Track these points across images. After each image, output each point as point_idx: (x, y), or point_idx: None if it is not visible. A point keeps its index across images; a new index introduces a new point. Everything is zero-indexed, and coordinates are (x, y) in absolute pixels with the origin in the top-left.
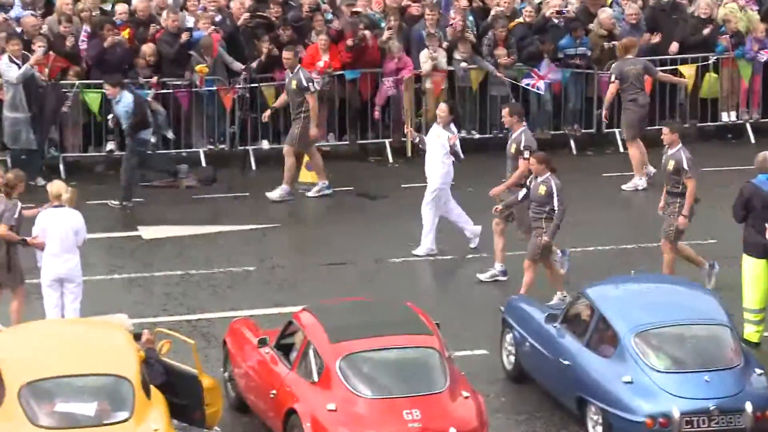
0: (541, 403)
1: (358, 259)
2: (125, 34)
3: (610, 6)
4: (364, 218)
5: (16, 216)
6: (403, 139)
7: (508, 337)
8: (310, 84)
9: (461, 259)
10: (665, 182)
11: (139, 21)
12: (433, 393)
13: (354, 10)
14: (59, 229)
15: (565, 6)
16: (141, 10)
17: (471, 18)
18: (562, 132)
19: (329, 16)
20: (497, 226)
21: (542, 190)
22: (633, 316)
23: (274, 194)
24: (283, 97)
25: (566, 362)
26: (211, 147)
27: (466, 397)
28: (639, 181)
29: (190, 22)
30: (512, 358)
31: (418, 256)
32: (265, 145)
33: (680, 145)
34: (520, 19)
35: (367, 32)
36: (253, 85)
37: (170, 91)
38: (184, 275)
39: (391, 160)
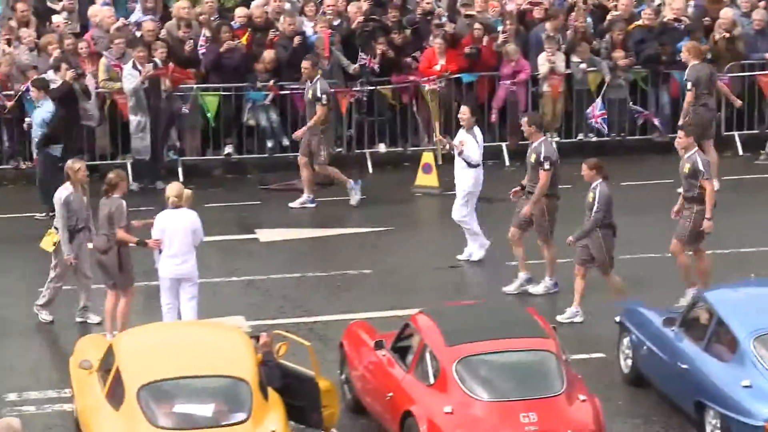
0: (658, 406)
1: (474, 262)
2: (244, 39)
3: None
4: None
5: (125, 215)
6: (441, 149)
7: (626, 340)
8: (323, 96)
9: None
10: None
11: (256, 26)
12: (549, 396)
13: (468, 12)
14: (177, 229)
15: (686, 9)
16: (258, 15)
17: (589, 20)
18: None
19: (443, 20)
20: (515, 236)
21: (590, 197)
22: (752, 320)
23: (353, 200)
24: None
25: (684, 366)
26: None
27: (583, 401)
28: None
29: (308, 27)
30: (629, 362)
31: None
32: (382, 148)
33: (696, 148)
34: (639, 22)
35: (482, 32)
36: (370, 87)
37: (287, 92)
38: (301, 278)
39: (507, 163)
